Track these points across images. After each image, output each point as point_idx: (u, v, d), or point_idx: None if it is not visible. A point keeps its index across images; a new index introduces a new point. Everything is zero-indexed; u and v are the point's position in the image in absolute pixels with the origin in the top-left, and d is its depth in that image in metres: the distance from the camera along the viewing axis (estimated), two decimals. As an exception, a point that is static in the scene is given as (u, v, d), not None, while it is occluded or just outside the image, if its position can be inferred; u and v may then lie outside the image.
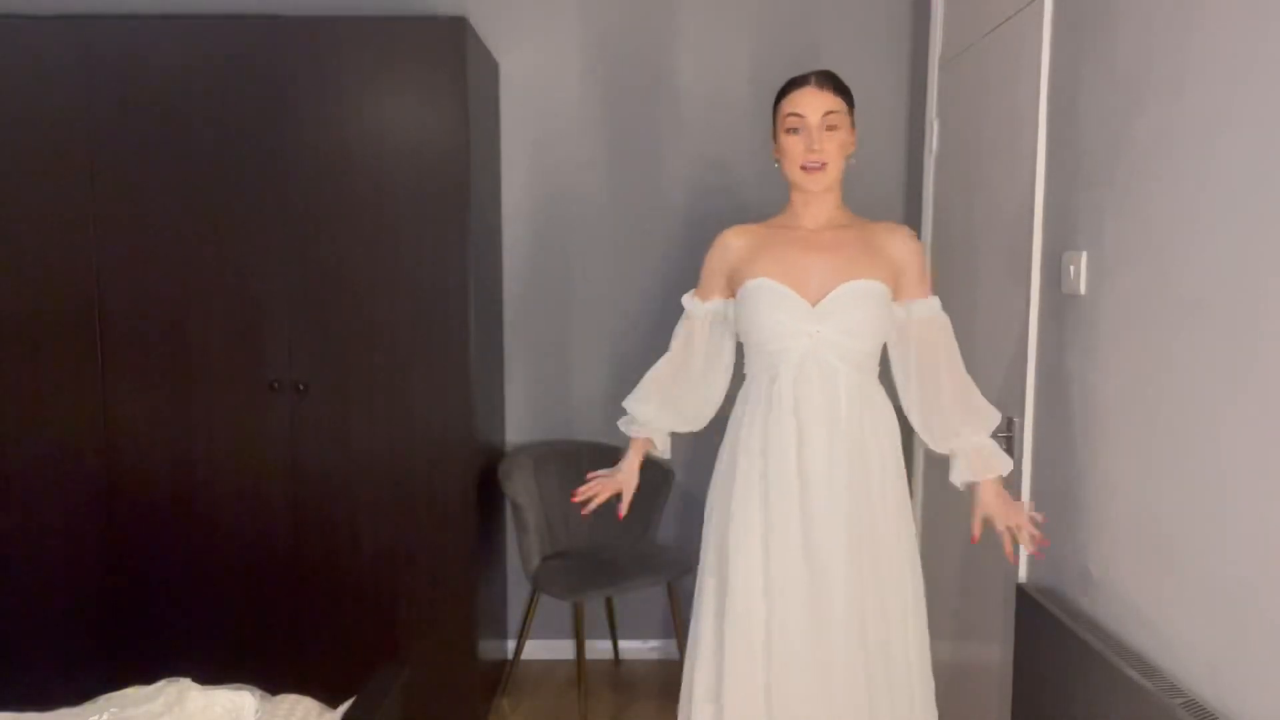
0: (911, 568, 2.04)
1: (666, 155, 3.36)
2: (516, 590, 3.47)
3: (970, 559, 2.66)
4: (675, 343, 2.14)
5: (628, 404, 2.14)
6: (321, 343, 2.78)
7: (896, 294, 2.01)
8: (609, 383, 3.42)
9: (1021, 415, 2.28)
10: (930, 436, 2.02)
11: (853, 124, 2.02)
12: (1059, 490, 2.12)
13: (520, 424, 3.44)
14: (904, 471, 2.02)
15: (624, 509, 2.15)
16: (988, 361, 2.55)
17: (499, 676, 3.28)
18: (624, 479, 2.13)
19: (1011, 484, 2.33)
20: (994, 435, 2.40)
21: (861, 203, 3.39)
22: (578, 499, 2.12)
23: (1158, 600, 1.71)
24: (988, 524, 1.98)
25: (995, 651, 2.43)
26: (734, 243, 2.06)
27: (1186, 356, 1.63)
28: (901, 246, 2.02)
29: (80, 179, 2.74)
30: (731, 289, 2.06)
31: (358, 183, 2.74)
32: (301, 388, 2.79)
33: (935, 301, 2.03)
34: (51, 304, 2.77)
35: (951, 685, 2.85)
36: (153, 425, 2.80)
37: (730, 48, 3.32)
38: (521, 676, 3.37)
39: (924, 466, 3.12)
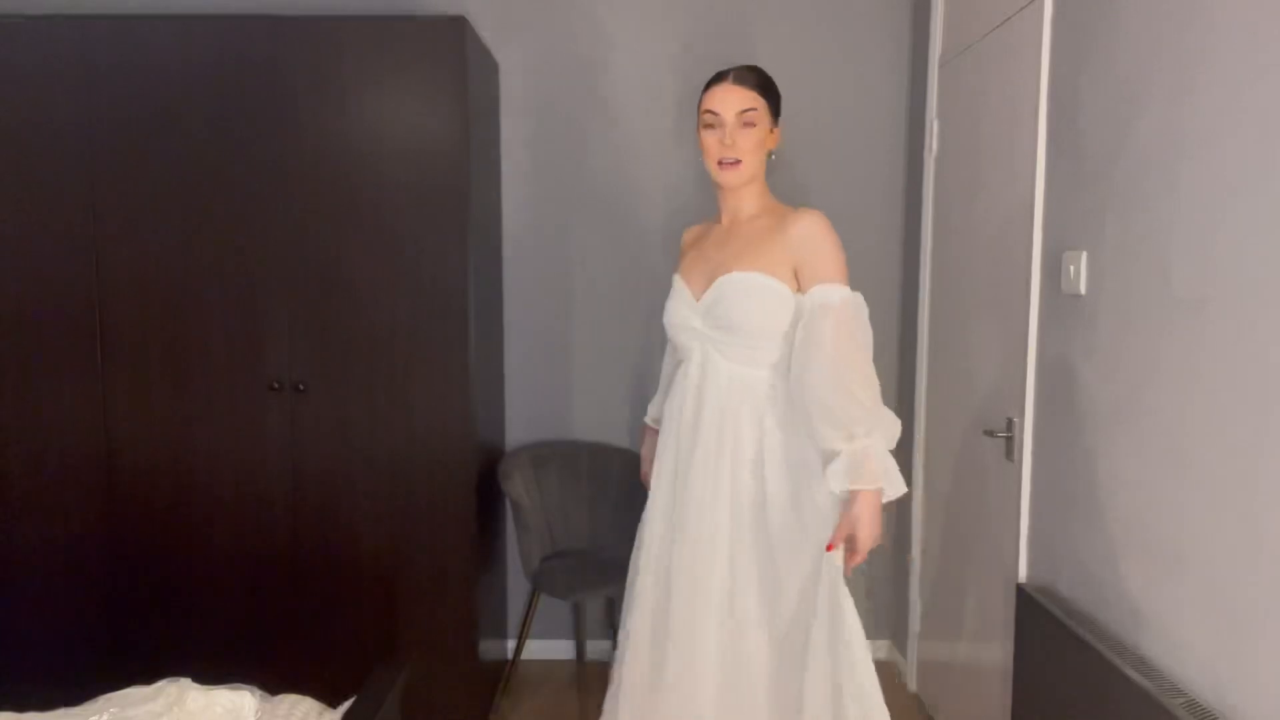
0: (813, 564, 1.87)
1: (667, 155, 3.36)
2: (516, 590, 3.47)
3: (970, 559, 2.67)
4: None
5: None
6: (321, 343, 2.78)
7: (800, 283, 1.88)
8: (609, 383, 3.42)
9: (1021, 415, 2.28)
10: (809, 432, 1.85)
11: (775, 120, 2.00)
12: (1059, 490, 2.12)
13: (520, 424, 3.44)
14: (805, 475, 1.87)
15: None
16: (988, 361, 2.55)
17: (499, 676, 3.28)
18: (645, 471, 2.33)
19: (1011, 484, 2.33)
20: (993, 435, 2.41)
21: (862, 203, 3.41)
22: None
23: (1158, 600, 1.71)
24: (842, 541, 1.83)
25: (995, 651, 2.43)
26: (684, 241, 2.23)
27: (1186, 356, 1.63)
28: (798, 233, 1.85)
29: (80, 179, 2.74)
30: None
31: (358, 182, 2.74)
32: (301, 388, 2.79)
33: (836, 289, 1.82)
34: (51, 304, 2.77)
35: (951, 685, 2.85)
36: (153, 425, 2.80)
37: (731, 47, 3.32)
38: (521, 676, 3.37)
39: (925, 466, 3.12)
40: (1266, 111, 1.44)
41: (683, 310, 2.01)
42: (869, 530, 1.79)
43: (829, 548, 1.84)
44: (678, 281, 2.08)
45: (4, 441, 2.81)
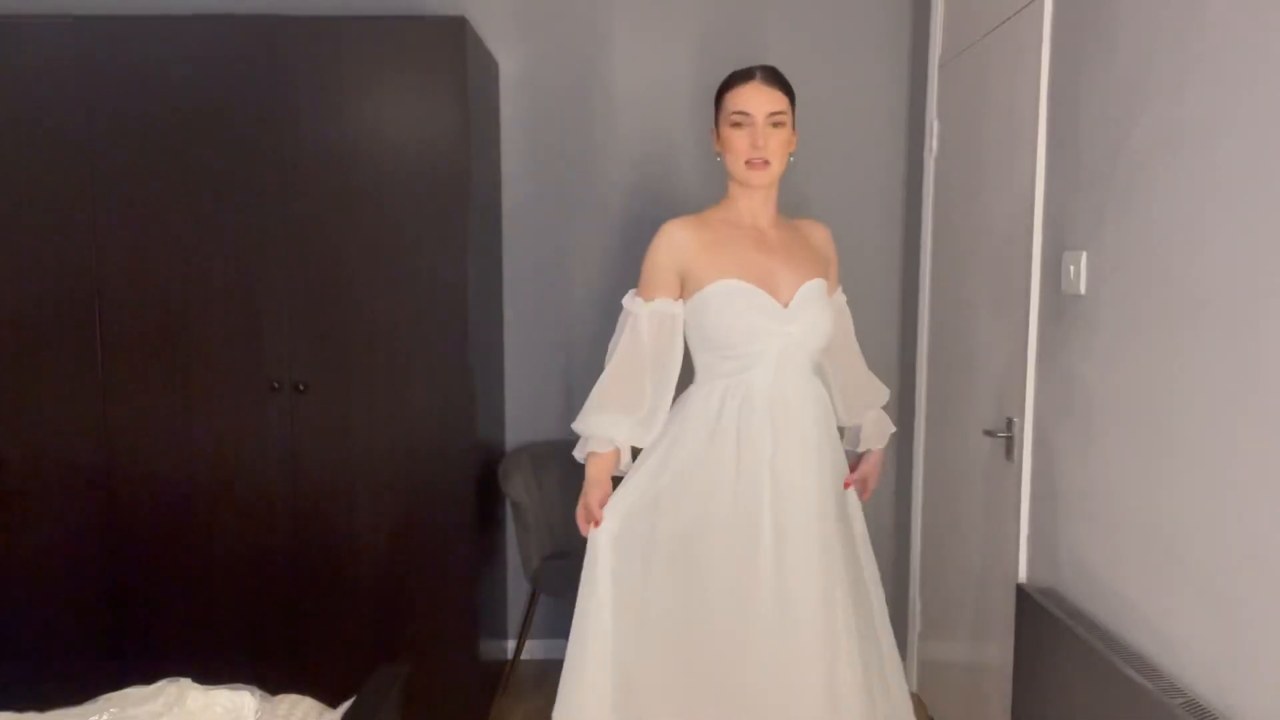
0: (869, 558, 2.16)
1: (668, 154, 3.36)
2: (516, 590, 3.47)
3: (970, 559, 2.67)
4: (619, 349, 2.01)
5: (581, 423, 1.99)
6: (321, 343, 2.78)
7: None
8: (609, 383, 3.41)
9: (1021, 415, 2.28)
10: (847, 411, 2.18)
11: (794, 123, 2.04)
12: (1059, 490, 2.12)
13: (520, 424, 3.44)
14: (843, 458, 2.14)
15: (598, 519, 1.98)
16: (988, 361, 2.55)
17: (499, 676, 3.28)
18: (588, 499, 1.98)
19: (1011, 484, 2.33)
20: (993, 435, 2.42)
21: (862, 203, 3.41)
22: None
23: (1158, 600, 1.71)
24: (859, 482, 2.19)
25: (995, 651, 2.43)
26: (683, 238, 1.97)
27: (1186, 356, 1.63)
28: (828, 244, 2.15)
29: (80, 179, 2.73)
30: (683, 288, 1.98)
31: (358, 182, 2.74)
32: (301, 388, 2.78)
33: (841, 293, 2.23)
34: (51, 304, 2.77)
35: (951, 685, 2.85)
36: (153, 425, 2.80)
37: (731, 47, 3.32)
38: (521, 676, 3.37)
39: (925, 466, 3.12)
40: (1266, 111, 1.44)
41: (763, 317, 1.90)
42: (878, 476, 2.28)
43: (847, 484, 2.12)
44: (744, 286, 1.90)
45: (4, 441, 2.81)
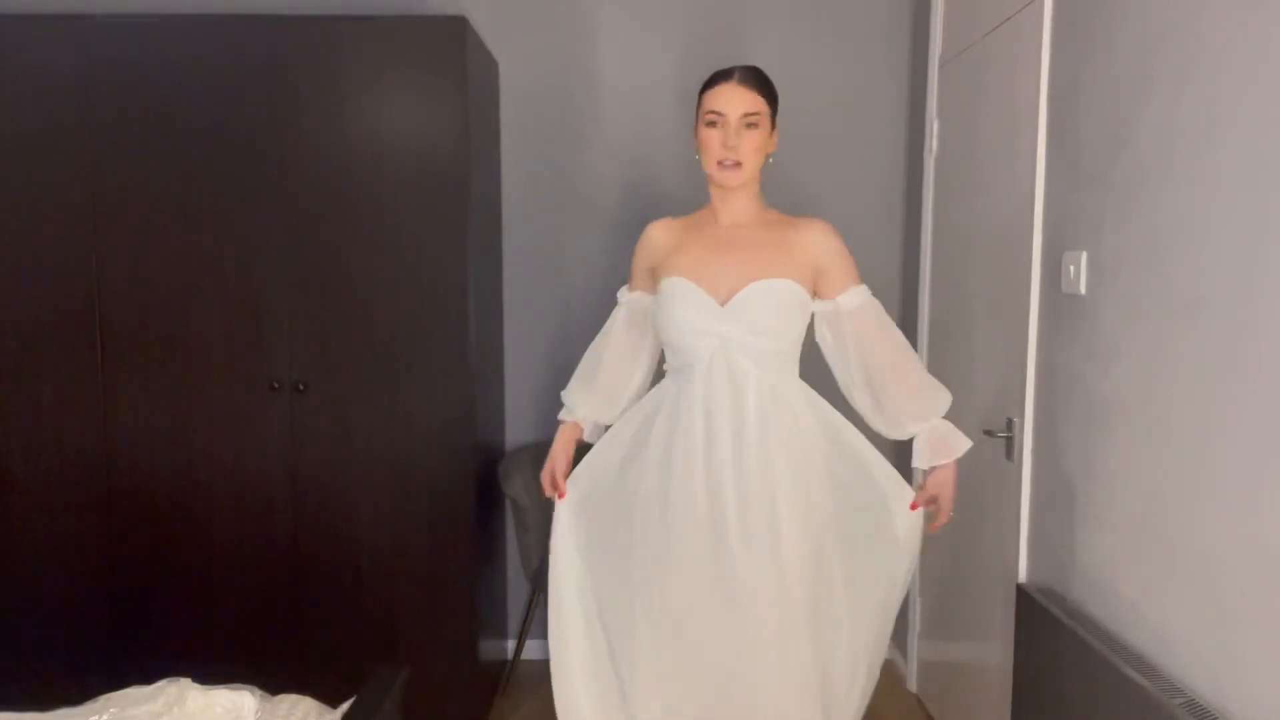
0: (811, 564, 1.96)
1: (668, 154, 3.35)
2: (516, 590, 3.47)
3: (970, 559, 2.67)
4: (601, 332, 2.21)
5: (564, 393, 2.24)
6: (321, 343, 2.78)
7: (821, 290, 2.00)
8: (609, 383, 3.41)
9: (1021, 415, 2.28)
10: (886, 425, 2.00)
11: (774, 124, 2.00)
12: (1059, 490, 2.12)
13: (520, 424, 3.44)
14: (815, 466, 1.97)
15: (562, 489, 2.18)
16: (988, 361, 2.55)
17: (499, 676, 3.28)
18: (551, 464, 2.19)
19: (1011, 484, 2.33)
20: (993, 435, 2.41)
21: (861, 203, 3.41)
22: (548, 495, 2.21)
23: (1158, 600, 1.71)
24: (930, 504, 1.99)
25: (995, 651, 2.43)
26: (656, 237, 2.10)
27: (1186, 356, 1.63)
28: (818, 242, 1.99)
29: (80, 179, 2.73)
30: (654, 284, 2.08)
31: (358, 182, 2.74)
32: (301, 388, 2.78)
33: (863, 289, 2.00)
34: (51, 304, 2.77)
35: (951, 685, 2.85)
36: (153, 425, 2.80)
37: (731, 47, 3.32)
38: (521, 676, 3.37)
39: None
40: (1266, 111, 1.44)
41: (699, 314, 1.94)
42: (953, 491, 1.98)
43: (913, 506, 1.98)
44: (684, 284, 1.96)
45: (4, 441, 2.81)
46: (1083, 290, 2.00)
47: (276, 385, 2.79)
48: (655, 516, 1.96)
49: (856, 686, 1.99)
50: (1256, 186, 1.46)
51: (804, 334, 2.00)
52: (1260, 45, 1.46)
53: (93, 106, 2.72)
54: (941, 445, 1.96)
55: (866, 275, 3.60)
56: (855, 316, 1.98)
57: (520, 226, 3.38)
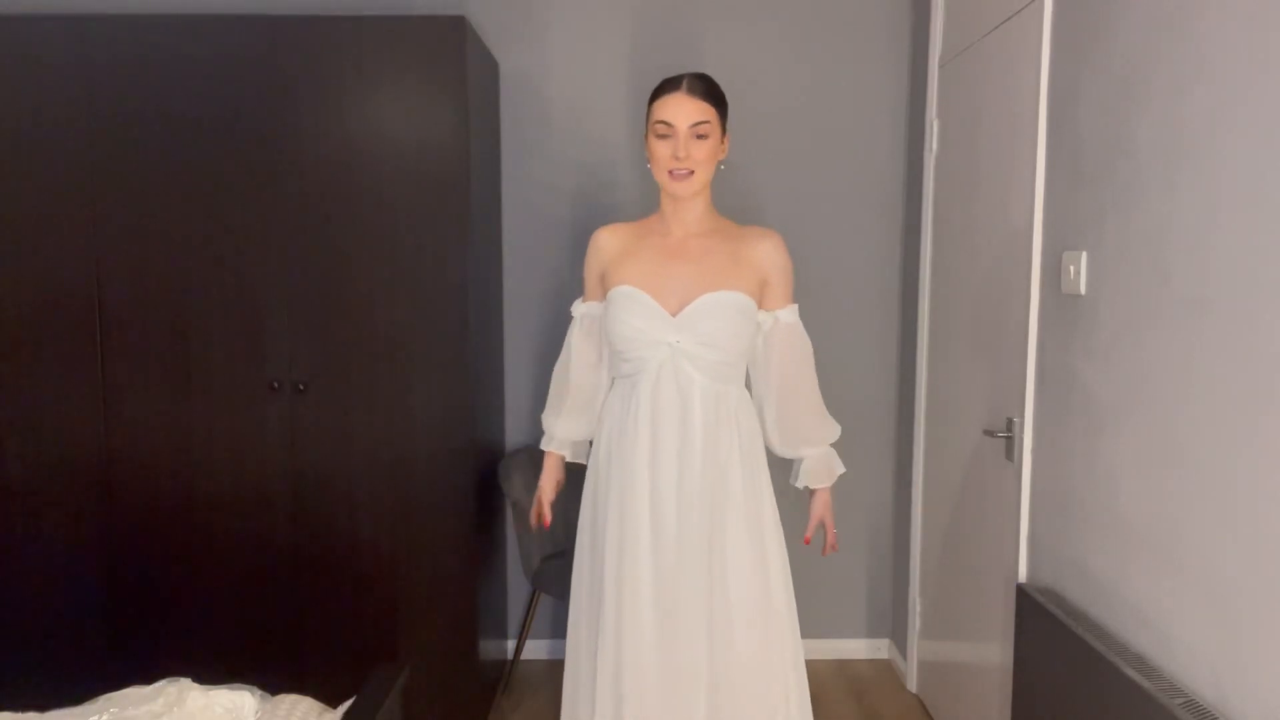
0: (761, 575, 2.01)
1: (666, 155, 3.35)
2: (516, 590, 3.47)
3: (970, 559, 2.67)
4: (563, 349, 2.21)
5: (542, 418, 2.26)
6: (321, 343, 2.78)
7: (762, 302, 2.03)
8: (609, 383, 3.42)
9: (1021, 415, 2.28)
10: (782, 441, 2.09)
11: (724, 131, 1.99)
12: (1059, 490, 2.12)
13: (520, 424, 3.44)
14: (765, 478, 2.05)
15: (547, 518, 2.22)
16: (988, 361, 2.55)
17: (499, 676, 3.28)
18: (539, 494, 2.23)
19: (1011, 484, 2.33)
20: (993, 435, 2.42)
21: (862, 203, 3.41)
22: (535, 524, 2.25)
23: (1158, 600, 1.71)
24: (815, 530, 2.14)
25: (995, 651, 2.43)
26: (605, 243, 2.08)
27: (1186, 356, 1.63)
28: (769, 255, 2.01)
29: (80, 179, 2.73)
30: (603, 292, 2.07)
31: (358, 182, 2.74)
32: (301, 388, 2.79)
33: (795, 309, 2.06)
34: (51, 304, 2.77)
35: (951, 685, 2.85)
36: (153, 425, 2.80)
37: (731, 47, 3.32)
38: (521, 676, 3.37)
39: (925, 466, 3.12)
40: (1266, 111, 1.44)
41: (650, 324, 1.95)
42: (832, 518, 2.16)
43: (806, 540, 2.13)
44: (635, 293, 1.96)
45: (4, 441, 2.81)
46: (1083, 290, 2.00)
47: (276, 385, 2.79)
48: (605, 524, 2.01)
49: (802, 675, 2.07)
50: (1257, 186, 1.46)
51: (751, 345, 2.03)
52: (1260, 45, 1.46)
53: (93, 106, 2.71)
54: (825, 470, 2.10)
55: (867, 275, 3.63)
56: (790, 333, 2.04)
57: (520, 226, 3.38)
